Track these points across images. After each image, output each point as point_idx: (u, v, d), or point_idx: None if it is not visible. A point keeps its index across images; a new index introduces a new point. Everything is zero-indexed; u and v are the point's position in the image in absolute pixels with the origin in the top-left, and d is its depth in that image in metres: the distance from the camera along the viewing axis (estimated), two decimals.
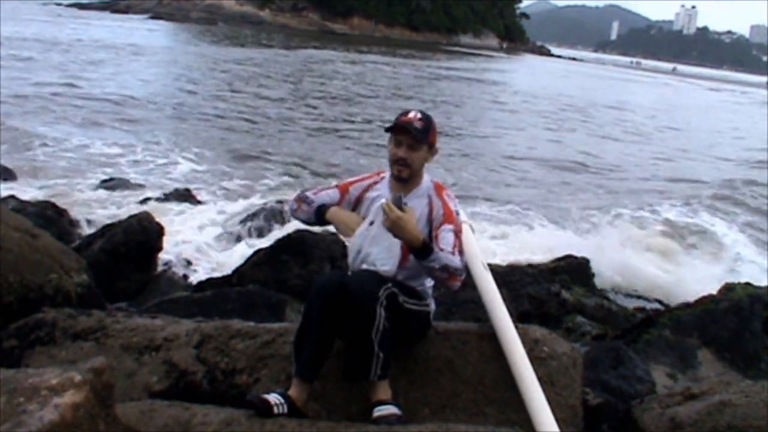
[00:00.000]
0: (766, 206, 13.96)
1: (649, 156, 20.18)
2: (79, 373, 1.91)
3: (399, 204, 2.61)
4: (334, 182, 3.16)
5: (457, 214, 2.80)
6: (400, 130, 2.76)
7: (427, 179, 2.87)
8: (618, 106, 35.62)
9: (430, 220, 2.78)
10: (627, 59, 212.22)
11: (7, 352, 3.11)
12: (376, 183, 2.94)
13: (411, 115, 2.78)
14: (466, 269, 2.85)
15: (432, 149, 2.82)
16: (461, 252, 2.72)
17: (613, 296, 7.25)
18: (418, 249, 2.61)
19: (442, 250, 2.66)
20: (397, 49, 61.36)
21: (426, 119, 2.79)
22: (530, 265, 6.59)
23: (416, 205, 2.78)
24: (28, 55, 24.86)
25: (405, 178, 2.80)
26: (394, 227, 2.58)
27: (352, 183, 2.99)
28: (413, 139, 2.74)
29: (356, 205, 2.95)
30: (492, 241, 9.16)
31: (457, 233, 2.74)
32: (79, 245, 5.93)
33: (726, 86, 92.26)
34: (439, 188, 2.85)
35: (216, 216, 9.41)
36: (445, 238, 2.71)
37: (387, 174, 2.92)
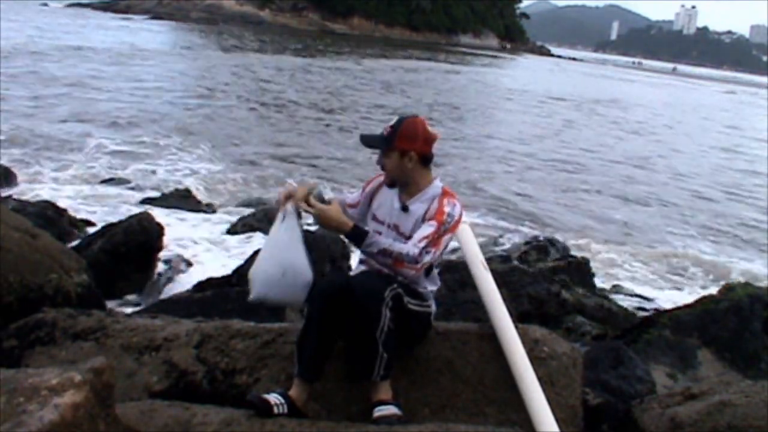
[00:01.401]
0: None
1: None
2: (79, 373, 1.91)
3: (321, 197, 2.71)
4: (343, 188, 3.19)
5: (450, 215, 2.73)
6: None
7: (436, 185, 2.83)
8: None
9: (423, 221, 2.76)
10: (627, 59, 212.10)
11: (7, 352, 3.10)
12: (382, 185, 2.95)
13: (386, 125, 2.82)
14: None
15: (407, 155, 2.76)
16: (432, 244, 2.67)
17: (613, 296, 7.25)
18: (350, 235, 2.66)
19: (410, 238, 2.71)
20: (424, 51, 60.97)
21: (394, 126, 2.78)
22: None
23: (417, 210, 2.78)
24: (35, 56, 24.89)
25: (387, 183, 2.87)
26: (319, 220, 2.69)
27: (372, 180, 3.01)
28: (377, 148, 2.82)
29: (370, 202, 2.98)
30: None
31: (439, 228, 2.70)
32: (79, 245, 5.93)
33: (739, 88, 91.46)
34: (444, 194, 2.80)
35: (216, 216, 9.41)
36: (420, 230, 2.72)
37: None
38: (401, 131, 2.76)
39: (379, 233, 2.82)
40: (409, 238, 2.75)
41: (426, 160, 2.81)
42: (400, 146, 2.76)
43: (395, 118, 2.84)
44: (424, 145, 2.79)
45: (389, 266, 2.66)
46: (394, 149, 2.76)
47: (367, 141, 2.87)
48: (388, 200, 2.88)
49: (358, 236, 2.66)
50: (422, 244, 2.67)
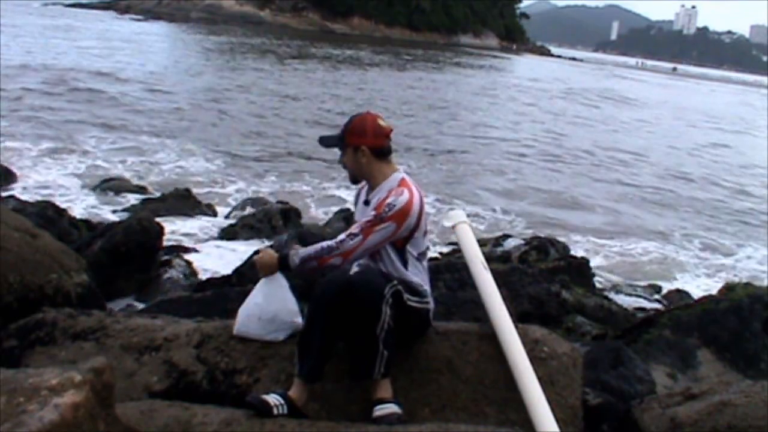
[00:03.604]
0: None
1: None
2: (79, 373, 1.91)
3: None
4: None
5: (389, 205, 2.73)
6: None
7: (394, 177, 2.87)
8: None
9: None
10: (628, 59, 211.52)
11: (7, 352, 3.10)
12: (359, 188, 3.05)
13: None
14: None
15: (359, 150, 2.83)
16: (363, 231, 2.73)
17: (613, 296, 7.25)
18: (281, 267, 2.84)
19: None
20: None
21: (344, 125, 2.88)
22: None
23: (375, 203, 2.84)
24: (36, 52, 24.90)
25: (351, 181, 2.97)
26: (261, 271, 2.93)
27: None
28: (333, 147, 2.91)
29: (355, 202, 3.08)
30: None
31: (375, 217, 2.73)
32: (79, 245, 5.93)
33: (746, 89, 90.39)
34: (399, 184, 2.83)
35: (216, 216, 9.42)
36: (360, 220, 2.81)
37: None
38: (350, 128, 2.86)
39: None
40: None
41: (380, 153, 2.86)
42: (352, 143, 2.84)
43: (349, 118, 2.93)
44: (375, 139, 2.84)
45: (316, 269, 2.74)
46: (347, 146, 2.85)
47: (325, 142, 2.96)
48: (360, 199, 2.99)
49: (285, 261, 2.81)
50: (350, 231, 2.75)
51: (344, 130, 2.87)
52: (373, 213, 2.76)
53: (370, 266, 2.81)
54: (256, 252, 2.85)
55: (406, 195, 2.76)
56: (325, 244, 2.76)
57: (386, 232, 2.74)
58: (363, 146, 2.83)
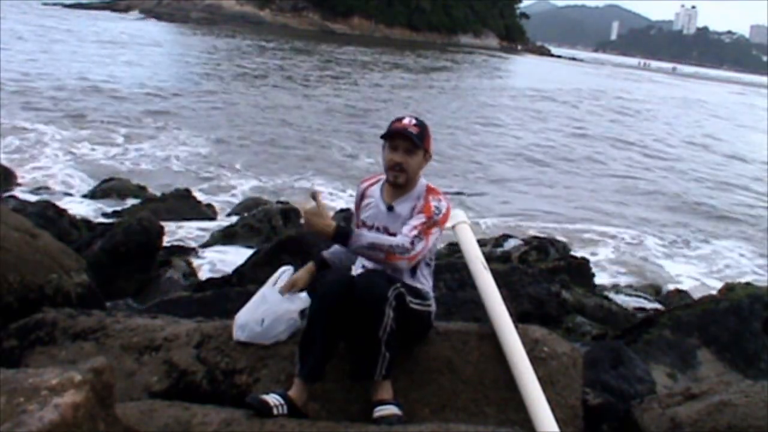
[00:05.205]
0: None
1: None
2: (79, 373, 1.90)
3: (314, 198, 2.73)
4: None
5: (438, 209, 2.75)
6: (397, 135, 2.78)
7: (421, 183, 2.86)
8: None
9: (411, 217, 2.79)
10: (628, 59, 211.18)
11: (7, 352, 3.10)
12: (372, 185, 2.97)
13: (405, 121, 2.81)
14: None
15: (427, 155, 2.84)
16: (423, 234, 2.70)
17: (613, 296, 7.25)
18: (335, 236, 2.65)
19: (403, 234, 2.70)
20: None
21: (420, 125, 2.81)
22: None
23: (402, 210, 2.81)
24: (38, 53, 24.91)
25: (401, 183, 2.81)
26: (305, 223, 2.70)
27: (365, 181, 3.06)
28: (411, 144, 2.76)
29: (360, 204, 3.00)
30: None
31: (428, 220, 2.72)
32: (79, 245, 5.92)
33: (756, 90, 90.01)
34: (429, 191, 2.83)
35: (216, 216, 9.42)
36: (410, 222, 2.74)
37: (383, 178, 2.92)
38: (428, 132, 2.84)
39: None
40: None
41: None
42: (426, 146, 2.83)
43: (411, 116, 2.86)
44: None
45: (381, 260, 2.67)
46: (421, 148, 2.81)
47: (406, 133, 2.75)
48: (374, 204, 2.90)
49: (344, 235, 2.66)
50: (413, 233, 2.70)
51: (423, 132, 2.79)
52: (422, 216, 2.73)
53: (374, 268, 2.78)
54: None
55: (444, 202, 2.81)
56: (395, 241, 2.67)
57: (435, 238, 2.77)
58: (429, 153, 2.85)
